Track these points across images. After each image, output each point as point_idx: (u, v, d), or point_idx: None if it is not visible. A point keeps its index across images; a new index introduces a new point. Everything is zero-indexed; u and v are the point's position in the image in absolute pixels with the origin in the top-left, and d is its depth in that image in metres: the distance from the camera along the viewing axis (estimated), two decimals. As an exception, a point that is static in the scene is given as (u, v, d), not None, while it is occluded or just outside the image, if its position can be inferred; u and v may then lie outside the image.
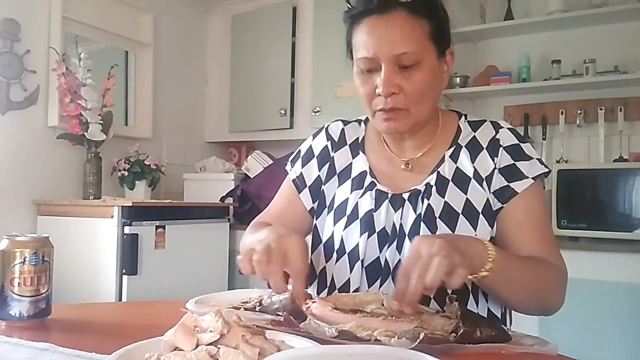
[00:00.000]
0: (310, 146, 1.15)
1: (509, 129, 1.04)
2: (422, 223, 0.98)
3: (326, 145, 1.13)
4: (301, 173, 1.13)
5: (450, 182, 1.01)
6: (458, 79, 2.93)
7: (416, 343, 0.63)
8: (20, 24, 2.45)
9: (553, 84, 2.70)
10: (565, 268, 0.97)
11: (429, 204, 0.98)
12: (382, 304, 0.80)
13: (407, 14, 0.92)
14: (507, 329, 0.83)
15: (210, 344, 0.57)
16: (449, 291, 0.79)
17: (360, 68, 0.97)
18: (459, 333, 0.69)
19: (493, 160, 1.00)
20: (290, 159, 1.18)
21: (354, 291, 1.00)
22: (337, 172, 1.11)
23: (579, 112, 2.71)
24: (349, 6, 0.98)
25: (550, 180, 2.53)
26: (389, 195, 1.02)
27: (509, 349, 0.69)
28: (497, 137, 1.02)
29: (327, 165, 1.12)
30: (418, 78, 0.94)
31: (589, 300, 2.18)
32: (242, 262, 0.82)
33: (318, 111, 3.02)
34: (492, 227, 0.98)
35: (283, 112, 3.14)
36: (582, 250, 2.25)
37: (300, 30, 3.15)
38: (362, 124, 1.15)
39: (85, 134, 2.54)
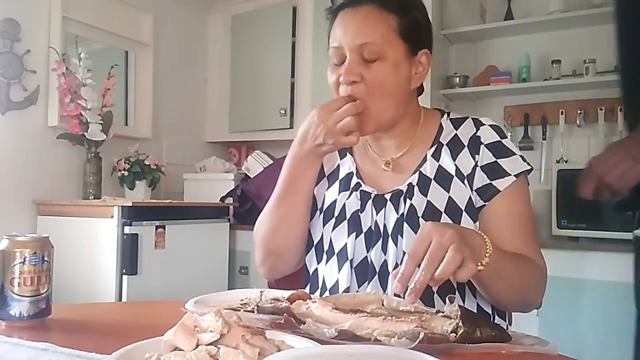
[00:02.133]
0: None
1: (490, 125, 1.03)
2: (404, 223, 0.98)
3: None
4: None
5: (433, 181, 1.01)
6: (458, 79, 2.93)
7: (416, 343, 0.63)
8: (20, 24, 2.44)
9: (553, 84, 2.71)
10: (545, 266, 0.97)
11: (411, 204, 0.99)
12: (382, 304, 0.80)
13: (376, 9, 0.96)
14: (507, 329, 0.83)
15: (210, 344, 0.57)
16: (454, 284, 0.77)
17: (331, 59, 1.01)
18: (459, 333, 0.69)
19: (474, 157, 1.00)
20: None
21: (344, 291, 1.01)
22: (327, 174, 1.13)
23: (579, 112, 2.71)
24: (331, 4, 1.02)
25: (550, 180, 2.53)
26: (372, 196, 1.03)
27: (509, 349, 0.69)
28: (478, 134, 1.02)
29: None
30: (379, 69, 0.96)
31: (588, 300, 2.18)
32: None
33: (318, 111, 3.02)
34: (475, 224, 0.99)
35: (283, 112, 3.14)
36: (582, 250, 2.24)
37: (300, 30, 3.15)
38: None
39: (85, 134, 2.54)
